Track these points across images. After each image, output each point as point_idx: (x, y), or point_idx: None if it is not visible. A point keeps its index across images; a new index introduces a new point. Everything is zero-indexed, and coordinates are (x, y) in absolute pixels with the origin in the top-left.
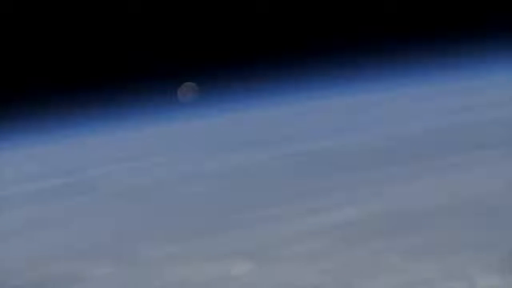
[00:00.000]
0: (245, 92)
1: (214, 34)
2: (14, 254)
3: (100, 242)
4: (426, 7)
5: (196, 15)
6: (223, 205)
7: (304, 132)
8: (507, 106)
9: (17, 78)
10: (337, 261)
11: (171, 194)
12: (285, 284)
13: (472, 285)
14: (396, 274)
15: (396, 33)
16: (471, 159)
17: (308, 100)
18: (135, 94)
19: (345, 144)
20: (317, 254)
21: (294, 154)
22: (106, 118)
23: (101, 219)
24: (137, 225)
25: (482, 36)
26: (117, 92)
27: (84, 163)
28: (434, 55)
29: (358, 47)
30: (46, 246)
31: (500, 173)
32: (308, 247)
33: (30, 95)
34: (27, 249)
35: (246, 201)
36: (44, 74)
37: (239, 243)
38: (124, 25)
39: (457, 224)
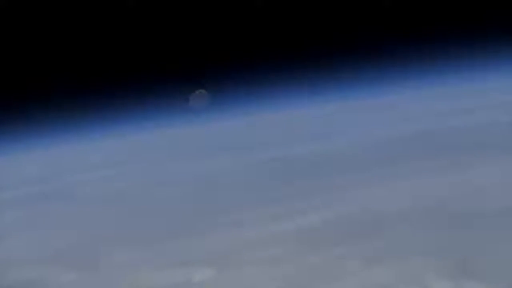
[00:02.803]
0: (241, 96)
1: (212, 37)
2: None
3: (69, 248)
4: (424, 8)
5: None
6: (192, 210)
7: (282, 138)
8: (485, 111)
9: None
10: (297, 266)
11: (142, 200)
12: None
13: None
14: (353, 279)
15: (389, 36)
16: (441, 163)
17: (295, 105)
18: (131, 99)
19: (319, 150)
20: (278, 260)
21: (271, 159)
22: (99, 124)
23: (73, 225)
24: (106, 231)
25: (478, 39)
26: (114, 97)
27: (66, 169)
28: (419, 59)
29: (353, 50)
30: (15, 252)
31: (466, 177)
32: (270, 252)
33: (19, 99)
34: None
35: (214, 207)
36: (42, 76)
37: (203, 248)
38: (126, 27)
39: (417, 229)
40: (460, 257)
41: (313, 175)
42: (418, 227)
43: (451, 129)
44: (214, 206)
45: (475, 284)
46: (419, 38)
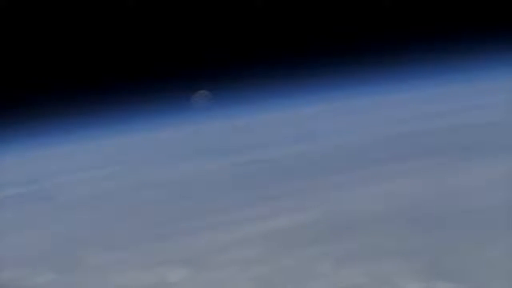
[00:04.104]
0: (237, 96)
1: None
2: None
3: (47, 249)
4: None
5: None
6: (171, 212)
7: (265, 140)
8: (462, 113)
9: None
10: (270, 267)
11: (126, 201)
12: None
13: None
14: (325, 280)
15: (378, 36)
16: (416, 166)
17: (278, 107)
18: (130, 99)
19: (299, 152)
20: (252, 261)
21: (250, 161)
22: (98, 124)
23: (52, 227)
24: (85, 232)
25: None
26: (112, 98)
27: (48, 172)
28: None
29: (343, 51)
30: None
31: (443, 179)
32: (245, 253)
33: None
34: None
35: (194, 208)
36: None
37: (179, 249)
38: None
39: (390, 230)
40: (434, 259)
41: (295, 176)
42: (395, 228)
43: (435, 130)
44: (196, 208)
45: (447, 285)
46: (406, 39)
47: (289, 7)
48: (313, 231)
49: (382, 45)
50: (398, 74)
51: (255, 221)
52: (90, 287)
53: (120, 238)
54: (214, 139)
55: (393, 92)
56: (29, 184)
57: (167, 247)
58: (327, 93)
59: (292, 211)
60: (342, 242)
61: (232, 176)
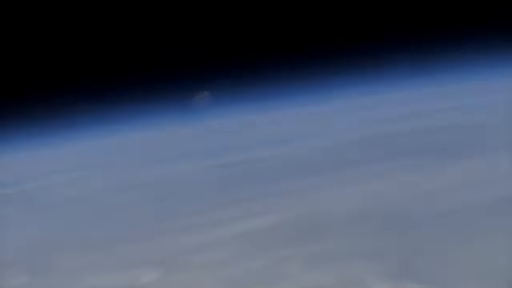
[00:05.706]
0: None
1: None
2: None
3: (21, 252)
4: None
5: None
6: (145, 215)
7: (240, 142)
8: (437, 114)
9: None
10: (239, 270)
11: (99, 204)
12: None
13: None
14: (293, 283)
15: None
16: (393, 167)
17: (259, 109)
18: (129, 100)
19: (275, 154)
20: (222, 263)
21: (228, 164)
22: (94, 124)
23: (27, 229)
24: (60, 234)
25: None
26: (109, 98)
27: (27, 173)
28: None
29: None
30: None
31: (418, 181)
32: (215, 256)
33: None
34: None
35: (168, 211)
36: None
37: (151, 252)
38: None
39: (362, 231)
40: (405, 260)
41: (270, 178)
42: (367, 230)
43: (411, 131)
44: (170, 209)
45: (417, 287)
46: (383, 41)
47: (279, 10)
48: (285, 233)
49: (362, 46)
50: (376, 75)
51: (228, 223)
52: None
53: (94, 239)
54: (191, 141)
55: (371, 94)
56: (8, 186)
57: (141, 248)
58: (305, 96)
59: (264, 213)
60: (314, 243)
61: (208, 178)
